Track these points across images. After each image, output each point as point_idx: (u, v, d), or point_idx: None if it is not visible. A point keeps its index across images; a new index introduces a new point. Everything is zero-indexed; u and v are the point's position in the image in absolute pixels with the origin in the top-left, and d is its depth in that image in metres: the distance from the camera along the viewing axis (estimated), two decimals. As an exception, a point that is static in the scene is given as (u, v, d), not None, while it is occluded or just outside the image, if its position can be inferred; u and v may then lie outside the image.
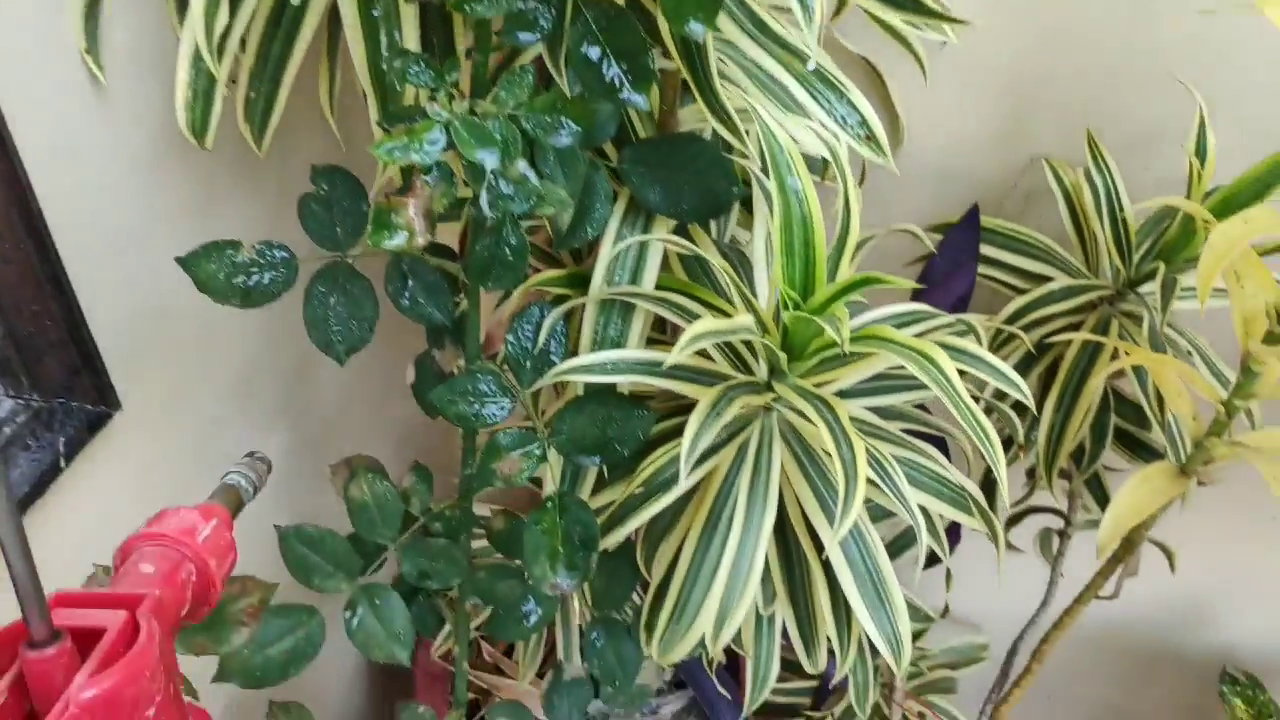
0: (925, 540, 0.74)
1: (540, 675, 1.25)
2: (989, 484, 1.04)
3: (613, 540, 0.77)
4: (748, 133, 0.73)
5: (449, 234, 0.90)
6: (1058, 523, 1.18)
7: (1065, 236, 0.99)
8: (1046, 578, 1.18)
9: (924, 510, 0.81)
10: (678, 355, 0.58)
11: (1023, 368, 0.95)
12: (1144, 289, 0.93)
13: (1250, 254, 0.71)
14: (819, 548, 0.79)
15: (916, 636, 1.42)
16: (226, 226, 0.91)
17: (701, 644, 0.88)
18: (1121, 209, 0.91)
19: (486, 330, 0.86)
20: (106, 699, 0.34)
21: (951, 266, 0.92)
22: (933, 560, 1.38)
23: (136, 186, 0.81)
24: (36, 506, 0.77)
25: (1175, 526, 1.18)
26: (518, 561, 0.90)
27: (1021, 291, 0.96)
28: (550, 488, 0.77)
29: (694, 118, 0.79)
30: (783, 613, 0.86)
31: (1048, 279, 0.95)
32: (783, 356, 0.65)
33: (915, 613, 1.45)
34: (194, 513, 0.46)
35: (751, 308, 0.69)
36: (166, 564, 0.42)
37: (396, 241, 0.59)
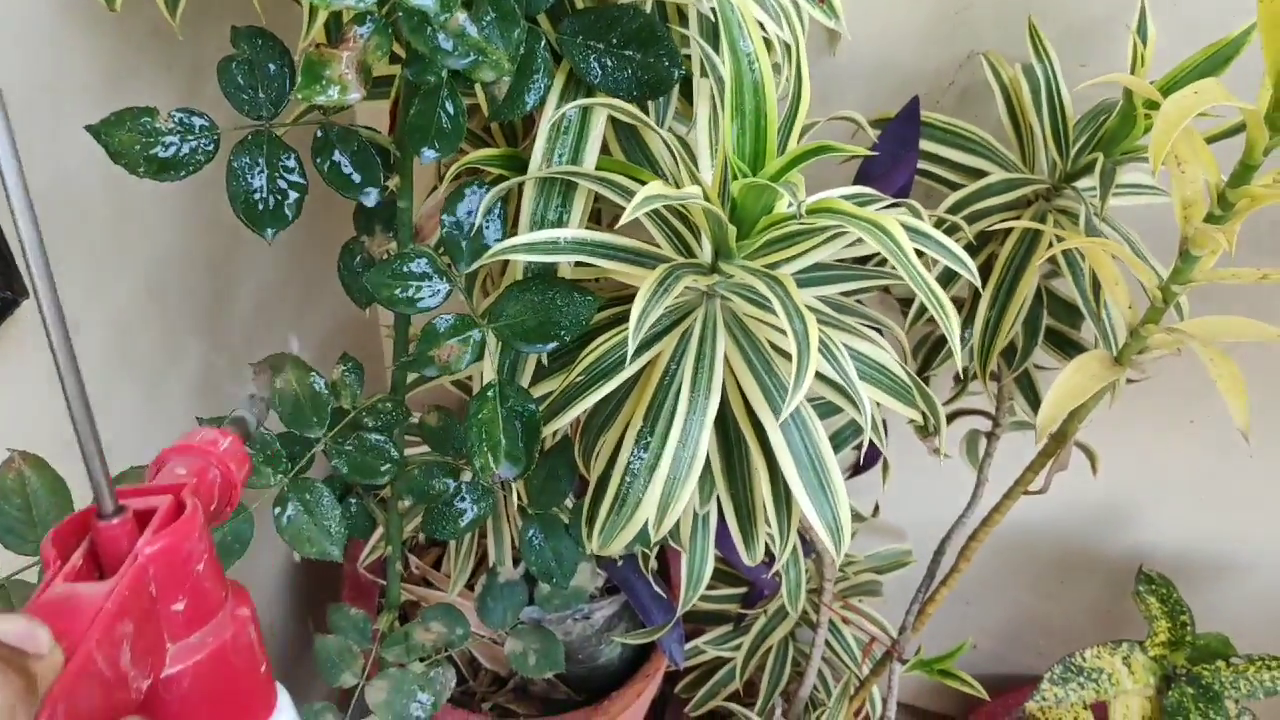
0: (869, 433, 0.74)
1: (470, 587, 1.24)
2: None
3: (553, 428, 0.75)
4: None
5: (374, 117, 0.86)
6: (984, 426, 1.19)
7: (1001, 134, 0.99)
8: (969, 483, 1.19)
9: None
10: (630, 214, 0.56)
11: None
12: (1080, 184, 0.93)
13: (1192, 135, 0.71)
14: (760, 438, 0.78)
15: (843, 543, 1.43)
16: (135, 103, 0.86)
17: (641, 535, 0.87)
18: (1060, 100, 0.90)
19: (415, 221, 0.83)
20: (166, 552, 0.42)
21: (891, 159, 0.91)
22: (857, 470, 1.40)
23: (37, 57, 0.76)
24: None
25: (1095, 429, 1.21)
26: (450, 458, 0.88)
27: (957, 187, 0.96)
28: (489, 375, 0.75)
29: (634, -9, 0.76)
30: (723, 505, 0.85)
31: (984, 174, 0.95)
32: (731, 230, 0.63)
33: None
34: (213, 430, 0.54)
35: (698, 183, 0.67)
36: (196, 465, 0.50)
37: (329, 95, 0.55)
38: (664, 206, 0.74)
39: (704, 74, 0.76)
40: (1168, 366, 1.19)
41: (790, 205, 0.66)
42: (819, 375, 0.79)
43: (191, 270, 1.00)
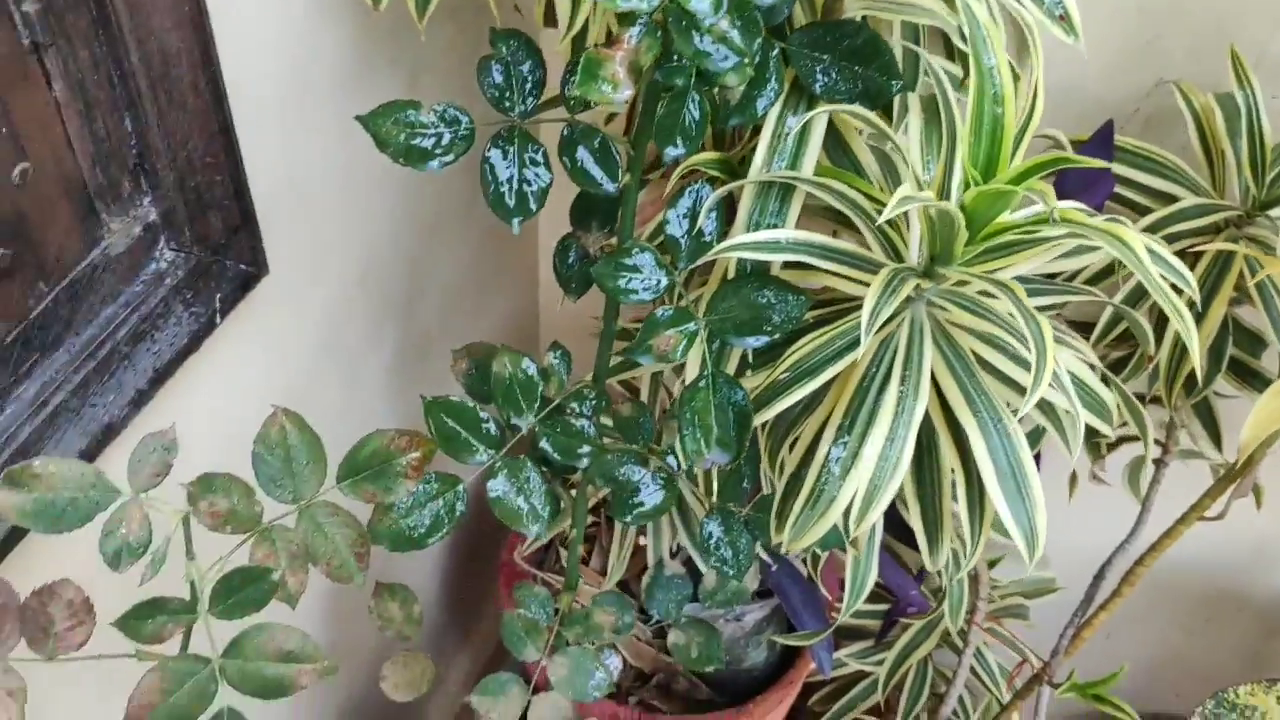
0: (1077, 447, 0.75)
1: (620, 585, 1.27)
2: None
3: (759, 420, 0.78)
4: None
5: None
6: (1140, 453, 1.19)
7: (1190, 160, 0.99)
8: (1115, 512, 1.19)
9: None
10: (889, 213, 0.59)
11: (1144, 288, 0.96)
12: (1274, 212, 0.93)
13: None
14: (959, 444, 0.80)
15: (991, 565, 1.44)
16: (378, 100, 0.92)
17: (831, 534, 0.90)
18: (1260, 126, 0.91)
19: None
20: None
21: (1084, 181, 0.93)
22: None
23: (294, 50, 0.82)
24: (190, 362, 0.78)
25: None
26: (639, 447, 0.92)
27: (1145, 211, 0.97)
28: (695, 368, 0.78)
29: (856, 5, 0.79)
30: (909, 509, 0.87)
31: (1174, 199, 0.96)
32: (963, 235, 0.66)
33: (992, 543, 1.47)
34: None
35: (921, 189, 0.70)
36: None
37: (603, 92, 0.59)
38: (877, 211, 0.76)
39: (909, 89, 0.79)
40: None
41: (1013, 214, 0.68)
42: (1018, 386, 0.81)
43: (395, 263, 1.06)
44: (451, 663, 1.57)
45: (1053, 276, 0.91)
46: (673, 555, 1.20)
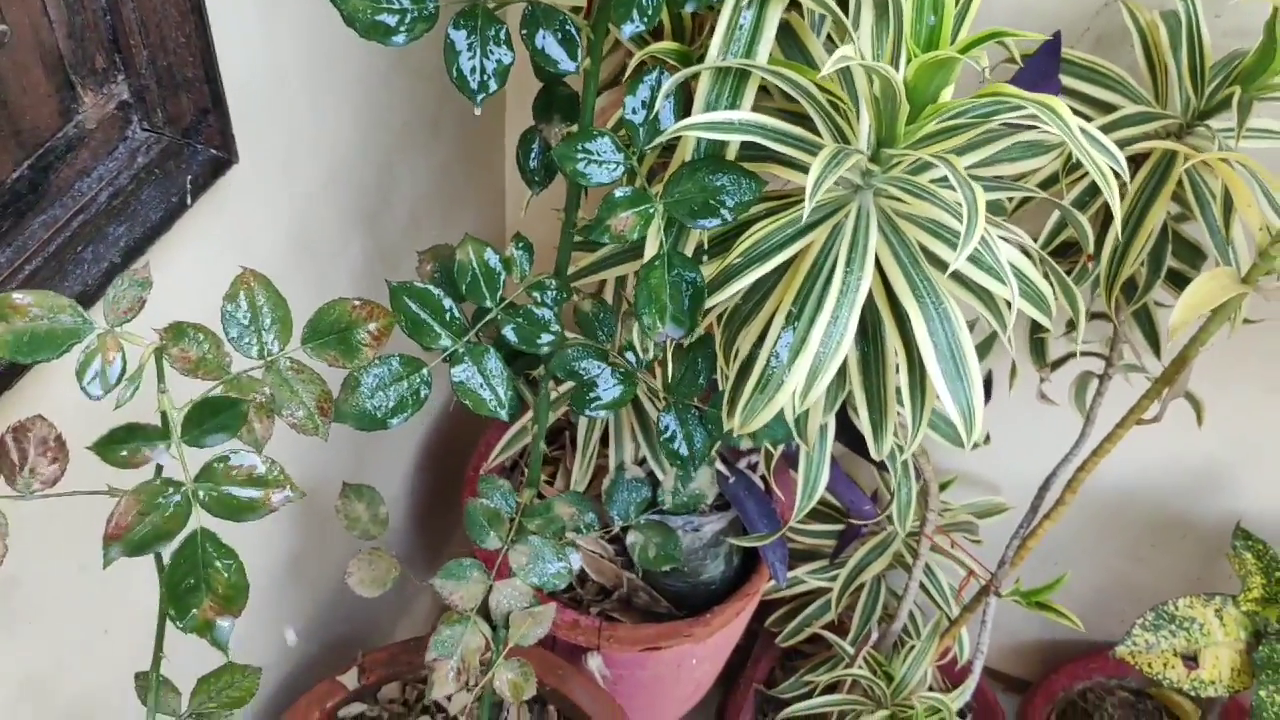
0: (1010, 330, 0.79)
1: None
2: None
3: (712, 303, 0.82)
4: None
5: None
6: (1087, 369, 1.24)
7: (1137, 76, 1.03)
8: (1064, 436, 1.23)
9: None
10: (829, 69, 0.62)
11: (1090, 192, 1.00)
12: (1213, 122, 0.97)
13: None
14: (902, 329, 0.84)
15: (941, 488, 1.48)
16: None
17: (778, 426, 0.93)
18: (1200, 38, 0.95)
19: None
20: None
21: (1031, 88, 0.96)
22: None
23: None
24: (162, 242, 0.80)
25: (1203, 384, 1.24)
26: (600, 344, 0.95)
27: (1091, 121, 1.00)
28: (654, 248, 0.81)
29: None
30: (855, 398, 0.90)
31: (1119, 108, 0.99)
32: (904, 110, 0.69)
33: (943, 468, 1.51)
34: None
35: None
36: None
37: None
38: (827, 101, 0.80)
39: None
40: (1274, 327, 1.22)
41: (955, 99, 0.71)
42: (961, 279, 0.84)
43: (363, 170, 1.08)
44: (421, 586, 1.60)
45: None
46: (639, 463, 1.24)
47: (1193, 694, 1.28)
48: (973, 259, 0.79)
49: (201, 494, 0.58)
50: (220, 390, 0.64)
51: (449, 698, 1.24)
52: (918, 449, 1.18)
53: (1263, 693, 1.24)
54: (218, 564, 0.60)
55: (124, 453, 0.56)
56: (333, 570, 1.30)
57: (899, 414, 0.89)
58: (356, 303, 0.74)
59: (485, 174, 1.39)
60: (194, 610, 0.60)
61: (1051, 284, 0.86)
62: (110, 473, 0.58)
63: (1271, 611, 1.31)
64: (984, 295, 0.85)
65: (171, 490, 0.58)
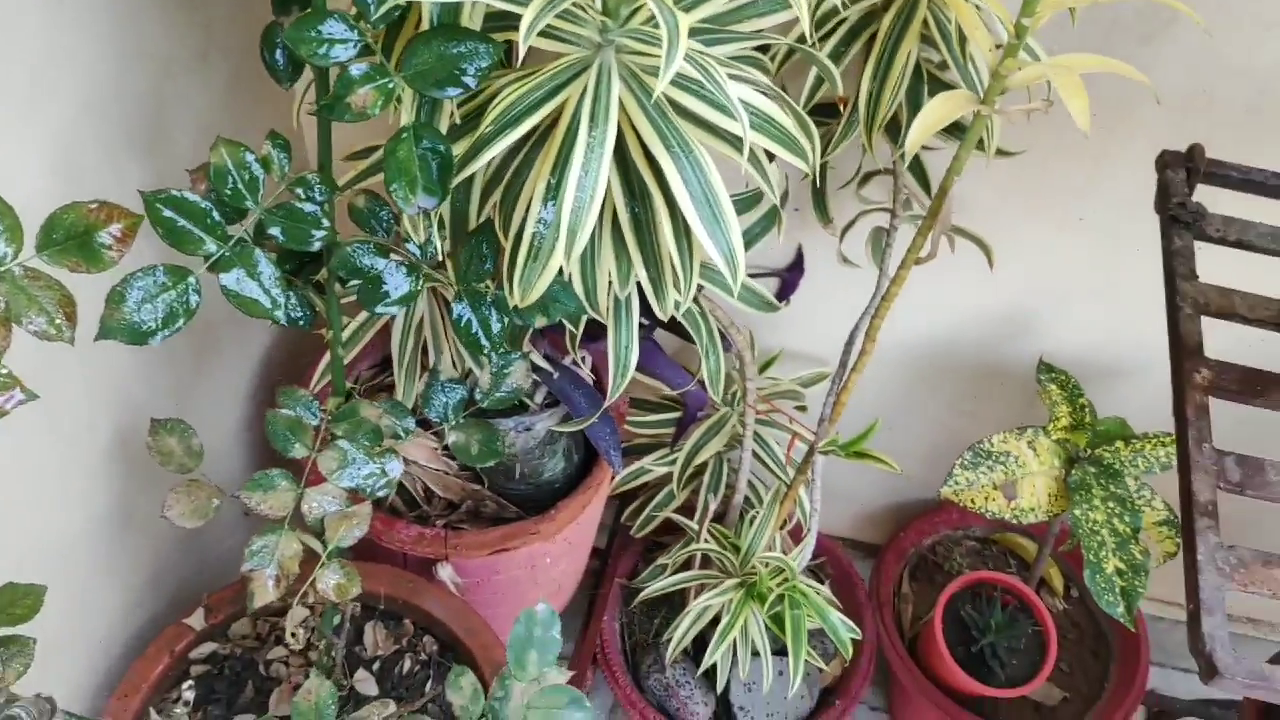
0: (745, 162, 0.81)
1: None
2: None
3: (467, 173, 0.83)
4: None
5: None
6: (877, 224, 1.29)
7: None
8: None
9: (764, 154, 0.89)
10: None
11: (845, 43, 1.03)
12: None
13: None
14: (660, 182, 0.86)
15: (766, 366, 1.53)
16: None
17: (566, 298, 0.95)
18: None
19: None
20: None
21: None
22: (782, 294, 1.48)
23: None
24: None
25: (989, 229, 1.30)
26: (380, 239, 0.95)
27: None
28: (406, 119, 0.82)
29: None
30: (632, 260, 0.93)
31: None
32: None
33: (764, 350, 1.56)
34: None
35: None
36: None
37: None
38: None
39: None
40: (1050, 162, 1.28)
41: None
42: (712, 128, 0.87)
43: (126, 100, 1.06)
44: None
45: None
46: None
47: (1015, 522, 1.35)
48: (704, 98, 0.82)
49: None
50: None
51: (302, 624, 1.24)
52: (725, 320, 1.22)
53: (1077, 511, 1.32)
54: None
55: None
56: (166, 532, 1.28)
57: (674, 268, 0.91)
58: (94, 205, 0.73)
59: (279, 97, 1.37)
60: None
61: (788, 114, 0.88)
62: None
63: (1080, 437, 1.39)
64: (736, 144, 0.88)
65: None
